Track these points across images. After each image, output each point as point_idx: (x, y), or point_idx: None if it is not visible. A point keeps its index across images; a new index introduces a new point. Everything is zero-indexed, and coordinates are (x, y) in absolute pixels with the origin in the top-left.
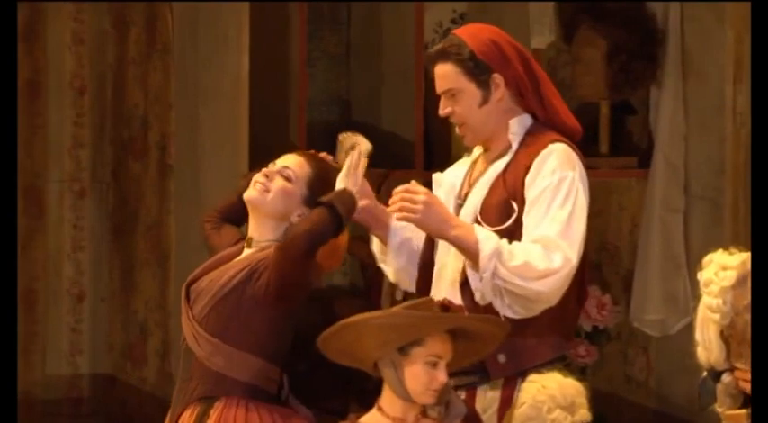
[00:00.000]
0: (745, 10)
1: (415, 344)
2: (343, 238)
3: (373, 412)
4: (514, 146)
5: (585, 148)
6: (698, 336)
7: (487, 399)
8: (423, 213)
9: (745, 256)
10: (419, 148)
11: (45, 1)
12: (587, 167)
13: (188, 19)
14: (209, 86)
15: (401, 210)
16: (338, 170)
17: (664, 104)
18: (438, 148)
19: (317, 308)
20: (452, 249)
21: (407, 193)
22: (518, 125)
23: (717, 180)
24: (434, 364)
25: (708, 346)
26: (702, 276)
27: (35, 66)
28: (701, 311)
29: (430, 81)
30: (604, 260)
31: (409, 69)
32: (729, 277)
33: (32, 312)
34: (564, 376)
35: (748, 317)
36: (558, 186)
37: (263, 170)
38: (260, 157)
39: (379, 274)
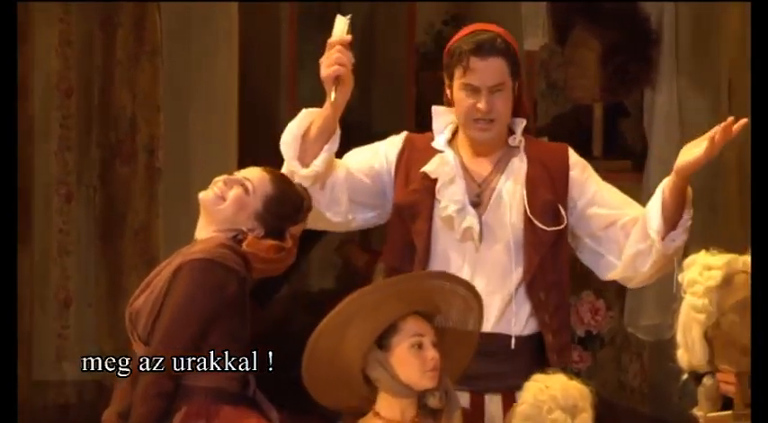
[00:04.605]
0: (740, 10)
1: (392, 334)
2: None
3: (369, 416)
4: (522, 147)
5: (579, 150)
6: (680, 337)
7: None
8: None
9: (730, 256)
10: None
11: (33, 0)
12: None
13: (177, 20)
14: (199, 88)
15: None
16: (299, 193)
17: (658, 107)
18: None
19: (307, 313)
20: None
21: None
22: (520, 125)
23: (712, 183)
24: (420, 345)
25: (690, 347)
26: (686, 277)
27: (22, 68)
28: (685, 312)
29: (421, 84)
30: None
31: (401, 70)
32: (715, 277)
33: (19, 318)
34: (569, 378)
35: (734, 317)
36: (609, 186)
37: (224, 176)
38: (250, 159)
39: (369, 276)
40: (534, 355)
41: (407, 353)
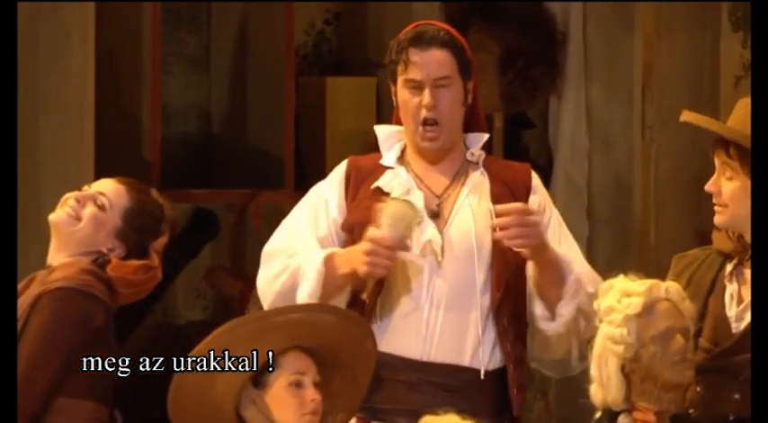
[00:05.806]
0: (654, 11)
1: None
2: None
3: None
4: (481, 162)
5: None
6: (594, 371)
7: None
8: (539, 235)
9: (651, 282)
10: (290, 166)
11: (35, 0)
12: None
13: (25, 18)
14: (50, 94)
15: (525, 237)
16: (157, 202)
17: (564, 117)
18: (311, 166)
19: (173, 346)
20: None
21: (520, 216)
22: (478, 140)
23: (623, 202)
24: (299, 384)
25: (606, 383)
26: (602, 305)
27: None
28: (600, 344)
29: (302, 90)
30: None
31: (278, 76)
32: (635, 305)
33: None
34: (463, 419)
35: (655, 349)
36: (560, 219)
37: (75, 193)
38: (107, 173)
39: (243, 307)
40: (499, 392)
41: (285, 392)
